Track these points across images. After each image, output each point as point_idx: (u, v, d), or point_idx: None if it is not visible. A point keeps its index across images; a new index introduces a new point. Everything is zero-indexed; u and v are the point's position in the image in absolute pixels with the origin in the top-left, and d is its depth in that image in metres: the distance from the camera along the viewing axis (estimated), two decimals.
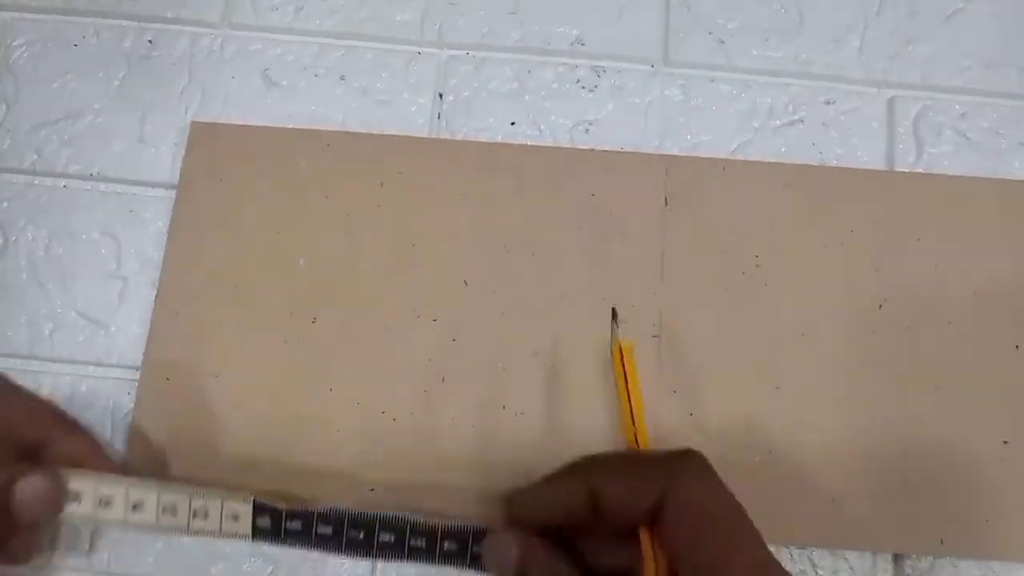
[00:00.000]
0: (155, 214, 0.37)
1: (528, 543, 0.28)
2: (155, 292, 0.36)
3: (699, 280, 0.35)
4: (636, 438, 0.29)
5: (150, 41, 0.40)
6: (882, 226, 0.36)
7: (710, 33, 0.39)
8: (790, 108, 0.38)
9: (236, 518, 0.30)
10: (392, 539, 0.30)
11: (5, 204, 0.37)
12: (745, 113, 0.38)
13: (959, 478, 0.33)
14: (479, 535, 0.29)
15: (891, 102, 0.38)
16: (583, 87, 0.39)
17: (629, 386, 0.30)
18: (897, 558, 0.32)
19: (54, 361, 0.35)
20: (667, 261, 0.35)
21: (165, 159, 0.38)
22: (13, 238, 0.37)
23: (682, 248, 0.35)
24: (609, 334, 0.33)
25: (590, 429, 0.33)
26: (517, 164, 0.37)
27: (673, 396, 0.34)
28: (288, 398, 0.34)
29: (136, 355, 0.35)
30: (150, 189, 0.37)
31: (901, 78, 0.39)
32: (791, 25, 0.39)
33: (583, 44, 0.39)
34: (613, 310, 0.33)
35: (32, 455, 0.30)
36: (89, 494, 0.29)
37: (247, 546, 0.33)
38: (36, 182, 0.38)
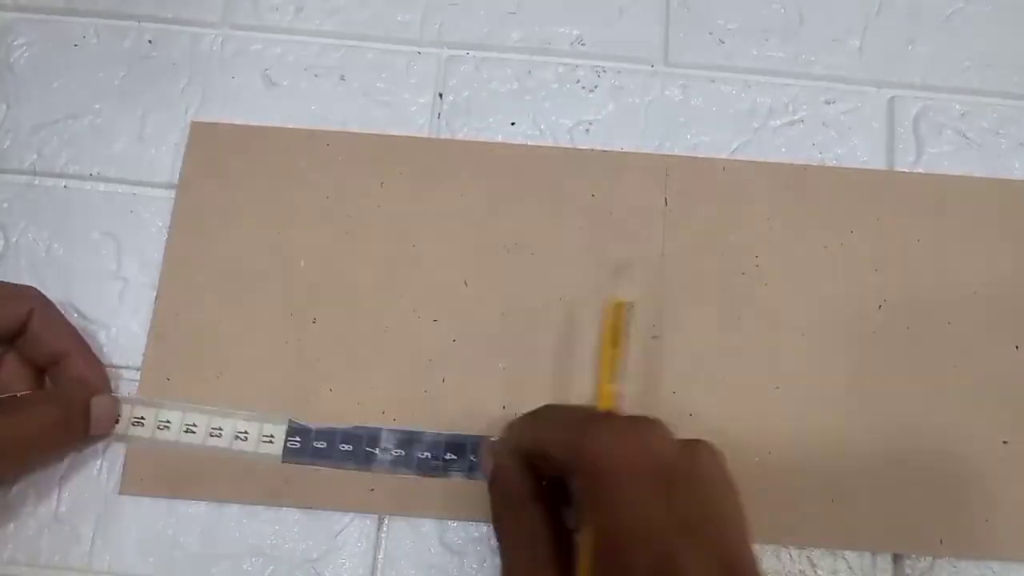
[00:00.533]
0: (155, 214, 0.37)
1: (499, 453, 0.30)
2: (155, 292, 0.36)
3: (699, 280, 0.35)
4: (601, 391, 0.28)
5: (150, 41, 0.40)
6: (882, 226, 0.36)
7: (710, 33, 0.39)
8: (790, 108, 0.38)
9: (271, 439, 0.33)
10: (403, 454, 0.33)
11: (5, 204, 0.37)
12: (745, 113, 0.38)
13: (959, 478, 0.33)
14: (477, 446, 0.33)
15: (891, 102, 0.38)
16: (583, 87, 0.39)
17: (604, 340, 0.29)
18: (897, 558, 0.32)
19: None
20: (667, 261, 0.35)
21: (165, 159, 0.38)
22: (14, 238, 0.37)
23: (682, 248, 0.35)
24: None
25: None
26: (517, 164, 0.37)
27: (673, 396, 0.34)
28: (288, 398, 0.34)
29: (136, 355, 0.35)
30: (150, 189, 0.37)
31: (901, 78, 0.39)
32: (791, 25, 0.39)
33: (583, 44, 0.39)
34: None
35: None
36: (151, 418, 0.34)
37: (247, 546, 0.33)
38: (36, 182, 0.38)
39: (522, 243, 0.36)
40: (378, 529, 0.33)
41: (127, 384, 0.35)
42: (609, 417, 0.27)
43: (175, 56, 0.39)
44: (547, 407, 0.30)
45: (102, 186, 0.38)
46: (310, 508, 0.33)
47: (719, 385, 0.34)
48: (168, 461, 0.33)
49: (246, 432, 0.33)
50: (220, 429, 0.33)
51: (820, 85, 0.39)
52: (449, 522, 0.33)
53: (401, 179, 0.37)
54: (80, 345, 0.33)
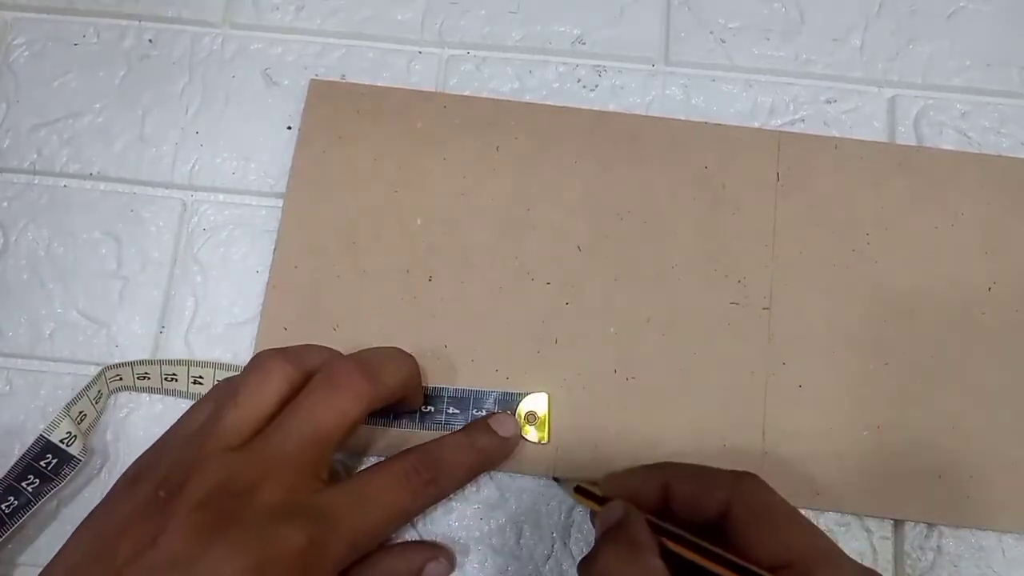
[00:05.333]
0: (156, 214, 0.37)
1: (630, 509, 0.28)
2: (157, 291, 0.36)
3: (810, 255, 0.35)
4: None
5: (150, 41, 0.40)
6: (992, 210, 0.36)
7: (711, 32, 0.39)
8: (791, 107, 0.38)
9: None
10: (432, 409, 0.34)
11: (5, 204, 0.37)
12: (746, 112, 0.38)
13: None
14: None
15: (892, 101, 0.38)
16: (584, 86, 0.39)
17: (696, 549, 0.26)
18: (897, 558, 0.32)
19: (55, 361, 0.35)
20: (778, 236, 0.36)
21: (166, 159, 0.38)
22: (13, 238, 0.37)
23: (793, 223, 0.36)
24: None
25: (698, 394, 0.34)
26: (632, 133, 0.37)
27: (783, 368, 0.34)
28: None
29: (138, 355, 0.35)
30: (151, 189, 0.37)
31: (902, 77, 0.39)
32: (792, 24, 0.39)
33: (584, 43, 0.39)
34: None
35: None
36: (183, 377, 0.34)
37: None
38: (36, 182, 0.38)
39: (635, 211, 0.36)
40: None
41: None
42: (748, 474, 0.28)
43: (175, 56, 0.39)
44: (660, 463, 0.30)
45: (102, 185, 0.38)
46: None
47: (828, 358, 0.34)
48: None
49: (201, 377, 0.34)
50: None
51: (821, 84, 0.39)
52: (450, 521, 0.33)
53: (516, 144, 0.37)
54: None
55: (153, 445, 0.29)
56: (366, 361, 0.30)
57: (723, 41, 0.39)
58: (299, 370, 0.29)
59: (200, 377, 0.34)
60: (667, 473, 0.29)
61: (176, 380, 0.34)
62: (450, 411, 0.34)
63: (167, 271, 0.36)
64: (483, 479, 0.33)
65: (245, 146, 0.38)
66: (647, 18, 0.40)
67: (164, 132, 0.38)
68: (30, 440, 0.33)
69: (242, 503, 0.25)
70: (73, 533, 0.27)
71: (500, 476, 0.33)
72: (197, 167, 0.38)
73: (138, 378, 0.34)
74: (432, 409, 0.34)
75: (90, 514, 0.27)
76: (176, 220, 0.37)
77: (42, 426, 0.33)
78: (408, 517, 0.30)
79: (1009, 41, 0.39)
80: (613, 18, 0.40)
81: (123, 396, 0.35)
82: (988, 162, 0.37)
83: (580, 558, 0.28)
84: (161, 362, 0.34)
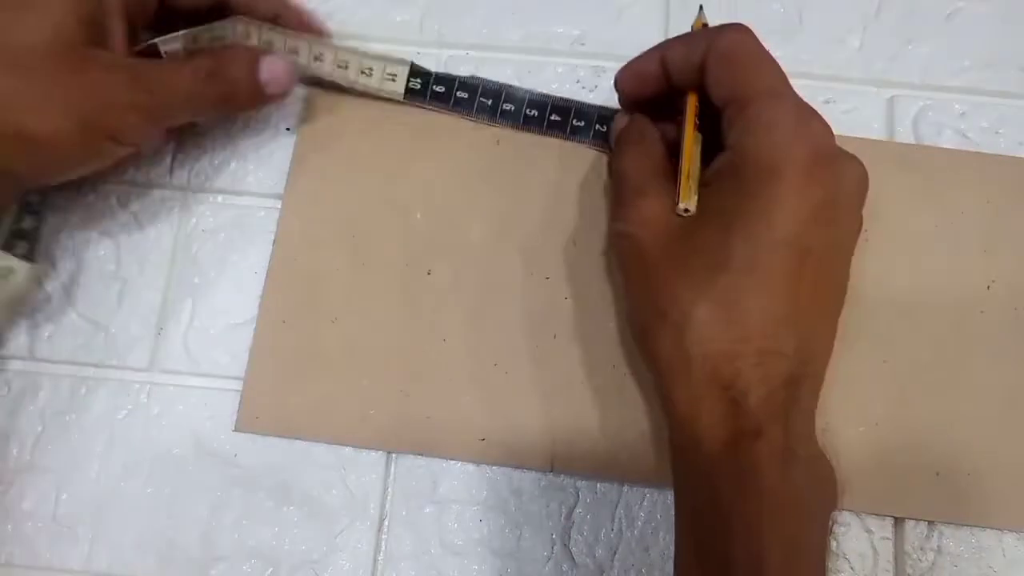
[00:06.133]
0: (154, 214, 0.37)
1: (634, 116, 0.34)
2: (156, 292, 0.36)
3: None
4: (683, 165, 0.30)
5: None
6: (992, 208, 0.36)
7: None
8: None
9: (394, 78, 0.37)
10: (512, 108, 0.37)
11: None
12: None
13: None
14: (604, 118, 0.36)
15: (891, 101, 0.38)
16: (583, 87, 0.39)
17: (687, 132, 0.31)
18: (897, 558, 0.32)
19: (54, 362, 0.35)
20: None
21: (164, 160, 0.38)
22: None
23: None
24: None
25: None
26: None
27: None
28: (402, 346, 0.34)
29: (136, 357, 0.35)
30: (149, 190, 0.37)
31: (901, 77, 0.39)
32: (790, 25, 0.39)
33: (583, 44, 0.39)
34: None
35: None
36: (305, 51, 0.36)
37: (247, 547, 0.33)
38: None
39: None
40: (378, 530, 0.33)
41: (127, 385, 0.35)
42: (729, 24, 0.30)
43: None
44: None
45: (101, 185, 0.38)
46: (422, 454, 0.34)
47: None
48: (284, 403, 0.34)
49: (371, 68, 0.36)
50: (346, 62, 0.36)
51: (819, 85, 0.39)
52: (449, 523, 0.33)
53: (516, 138, 0.37)
54: (287, 7, 0.36)
55: None
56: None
57: None
58: None
59: (321, 54, 0.36)
60: (664, 46, 0.31)
61: (322, 60, 0.36)
62: (575, 123, 0.37)
63: (165, 272, 0.36)
64: (482, 479, 0.33)
65: (244, 147, 0.38)
66: (647, 19, 0.40)
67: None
68: (29, 442, 0.33)
69: None
70: None
71: (499, 476, 0.33)
72: (196, 168, 0.38)
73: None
74: (512, 108, 0.37)
75: None
76: (175, 221, 0.37)
77: (40, 427, 0.33)
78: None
79: (1008, 41, 0.39)
80: (613, 19, 0.40)
81: (121, 399, 0.35)
82: (987, 160, 0.37)
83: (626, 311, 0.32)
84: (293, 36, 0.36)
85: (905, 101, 0.38)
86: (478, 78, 0.37)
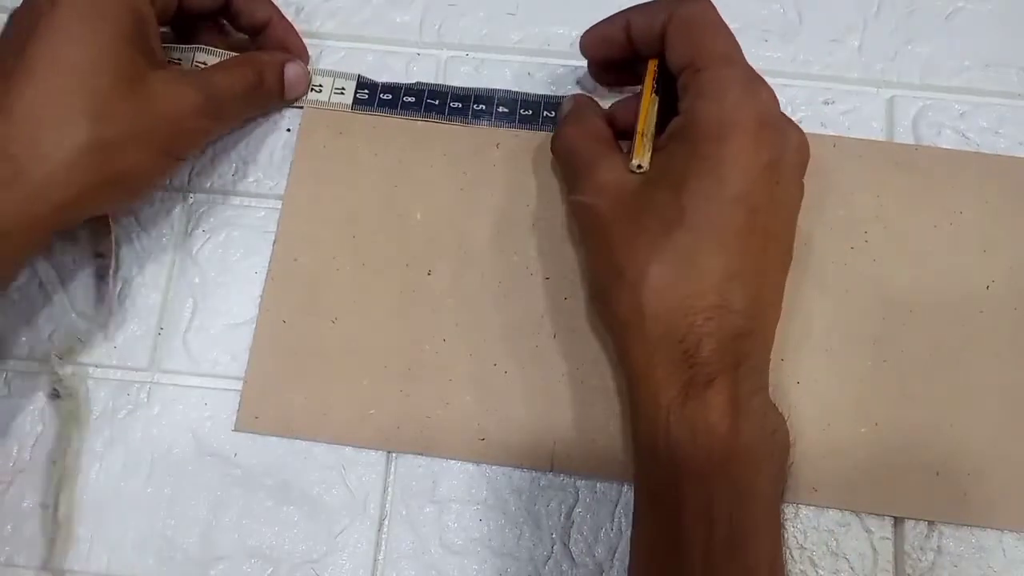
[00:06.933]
0: (153, 214, 0.37)
1: (574, 96, 0.37)
2: (156, 293, 0.36)
3: (808, 251, 0.35)
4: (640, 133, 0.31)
5: None
6: (991, 208, 0.36)
7: None
8: (789, 108, 0.38)
9: (342, 92, 0.38)
10: (460, 106, 0.38)
11: None
12: None
13: None
14: (550, 105, 0.38)
15: (890, 102, 0.38)
16: (583, 87, 0.39)
17: (644, 93, 0.32)
18: (897, 558, 0.32)
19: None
20: None
21: None
22: None
23: None
24: None
25: None
26: None
27: (781, 363, 0.34)
28: (403, 346, 0.34)
29: (136, 357, 0.35)
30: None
31: (900, 78, 0.39)
32: (790, 25, 0.40)
33: None
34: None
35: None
36: None
37: (246, 547, 0.33)
38: None
39: None
40: (378, 530, 0.33)
41: (127, 385, 0.35)
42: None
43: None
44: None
45: None
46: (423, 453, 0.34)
47: (826, 354, 0.34)
48: (285, 402, 0.34)
49: (320, 85, 0.38)
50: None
51: (819, 85, 0.39)
52: (449, 523, 0.33)
53: (516, 141, 0.37)
54: (279, 16, 0.37)
55: None
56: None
57: None
58: None
59: None
60: (628, 12, 0.32)
61: None
62: (500, 110, 0.38)
63: (166, 272, 0.36)
64: (482, 479, 0.33)
65: (244, 148, 0.38)
66: None
67: None
68: (29, 442, 0.33)
69: None
70: None
71: (499, 476, 0.33)
72: (196, 168, 0.38)
73: None
74: (483, 108, 0.38)
75: None
76: (175, 221, 0.37)
77: (40, 427, 0.33)
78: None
79: (1008, 41, 0.39)
80: None
81: (121, 398, 0.35)
82: (987, 161, 0.37)
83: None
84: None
85: (905, 101, 0.38)
86: (424, 83, 0.38)
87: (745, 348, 0.28)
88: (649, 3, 0.32)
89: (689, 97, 0.30)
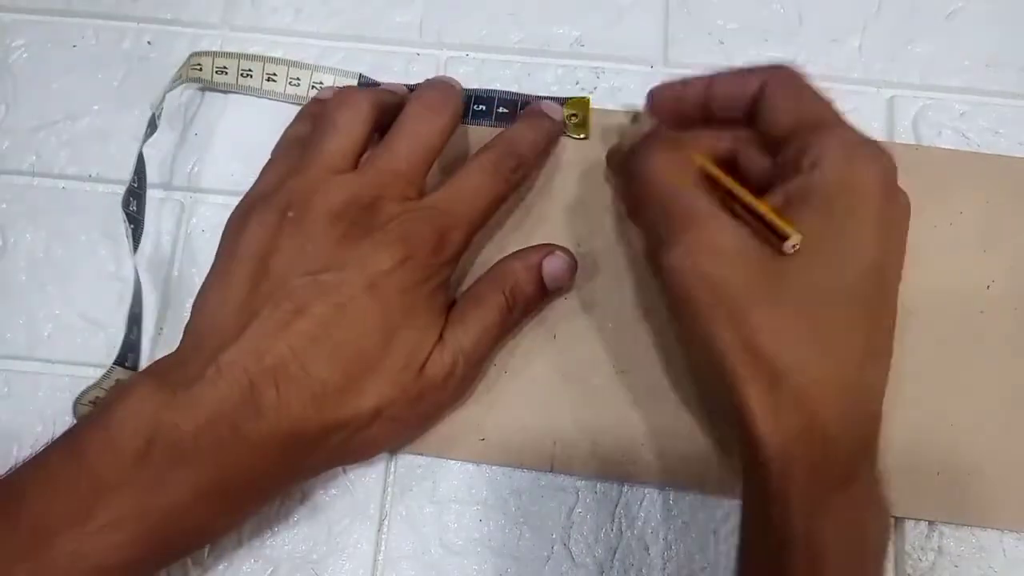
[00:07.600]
0: (154, 215, 0.37)
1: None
2: (156, 293, 0.36)
3: None
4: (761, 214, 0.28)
5: (149, 42, 0.40)
6: (991, 208, 0.36)
7: (709, 34, 0.39)
8: None
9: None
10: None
11: (4, 205, 0.37)
12: None
13: None
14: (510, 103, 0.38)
15: (891, 102, 0.38)
16: (583, 88, 0.39)
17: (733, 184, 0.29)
18: (897, 558, 0.32)
19: (53, 362, 0.35)
20: None
21: (165, 160, 0.38)
22: (12, 240, 0.37)
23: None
24: None
25: (696, 390, 0.34)
26: (633, 133, 0.37)
27: None
28: None
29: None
30: (149, 190, 0.37)
31: (900, 78, 0.39)
32: (790, 25, 0.39)
33: (583, 45, 0.39)
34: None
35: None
36: (233, 68, 0.38)
37: (246, 547, 0.33)
38: (35, 183, 0.38)
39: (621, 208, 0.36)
40: (378, 530, 0.33)
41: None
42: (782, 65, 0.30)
43: (175, 57, 0.39)
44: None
45: (101, 187, 0.38)
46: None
47: None
48: None
49: (321, 82, 0.38)
50: (298, 79, 0.38)
51: (819, 85, 0.38)
52: (449, 523, 0.33)
53: None
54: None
55: (252, 189, 0.32)
56: (441, 88, 0.34)
57: (722, 42, 0.39)
58: (378, 104, 0.33)
59: (274, 74, 0.38)
60: (709, 78, 0.31)
61: (251, 76, 0.38)
62: (500, 110, 0.38)
63: (165, 273, 0.36)
64: (482, 479, 0.33)
65: (244, 147, 0.38)
66: (646, 19, 0.40)
67: (163, 133, 0.38)
68: (29, 443, 0.33)
69: (371, 213, 0.29)
70: (211, 272, 0.30)
71: (499, 476, 0.33)
72: (196, 168, 0.38)
73: (217, 72, 0.37)
74: (484, 108, 0.38)
75: (218, 255, 0.30)
76: (175, 222, 0.37)
77: (39, 428, 0.33)
78: (502, 201, 0.33)
79: (1008, 41, 0.39)
80: (612, 20, 0.40)
81: None
82: (987, 161, 0.37)
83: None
84: (239, 56, 0.38)
85: (905, 101, 0.38)
86: (411, 86, 0.37)
87: (875, 430, 0.28)
88: (738, 70, 0.31)
89: (809, 158, 0.27)
